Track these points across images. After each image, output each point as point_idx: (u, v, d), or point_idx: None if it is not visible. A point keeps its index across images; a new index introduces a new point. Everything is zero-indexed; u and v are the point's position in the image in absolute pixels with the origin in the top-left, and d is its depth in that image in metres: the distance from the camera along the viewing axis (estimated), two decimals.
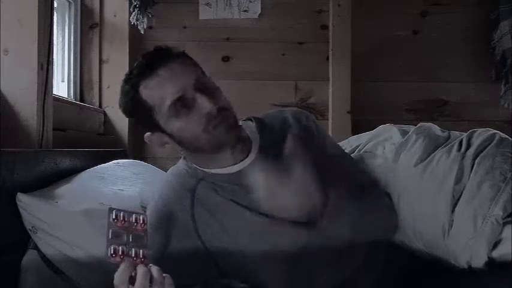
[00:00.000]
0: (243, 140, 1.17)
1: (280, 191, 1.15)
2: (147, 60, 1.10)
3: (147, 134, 1.15)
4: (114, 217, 0.79)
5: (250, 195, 1.14)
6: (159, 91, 1.07)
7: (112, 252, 0.77)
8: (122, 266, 0.78)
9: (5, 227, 1.18)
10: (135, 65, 1.12)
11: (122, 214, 0.80)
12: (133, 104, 1.11)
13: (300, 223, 1.13)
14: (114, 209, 0.80)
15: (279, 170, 1.16)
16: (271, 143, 1.19)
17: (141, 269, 0.78)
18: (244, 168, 1.15)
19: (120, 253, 0.77)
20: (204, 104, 1.06)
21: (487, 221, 1.13)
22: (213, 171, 1.16)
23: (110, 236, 0.78)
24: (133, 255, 0.78)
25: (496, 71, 2.32)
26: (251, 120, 1.25)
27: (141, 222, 0.81)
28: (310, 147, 1.21)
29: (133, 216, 0.81)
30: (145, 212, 1.32)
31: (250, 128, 1.22)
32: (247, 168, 1.15)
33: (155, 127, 1.12)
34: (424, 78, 2.42)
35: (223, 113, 1.08)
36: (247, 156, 1.16)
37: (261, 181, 1.14)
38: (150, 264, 0.80)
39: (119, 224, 0.79)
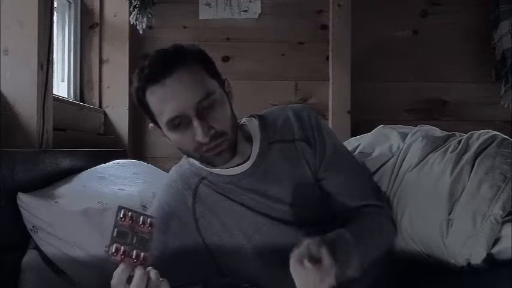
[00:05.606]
0: (245, 140, 1.16)
1: (278, 194, 1.14)
2: (160, 62, 1.04)
3: (151, 124, 1.14)
4: (121, 216, 0.79)
5: (250, 195, 1.14)
6: (161, 104, 1.05)
7: (114, 250, 0.78)
8: (121, 266, 0.79)
9: (5, 227, 1.18)
10: (147, 62, 1.05)
11: (130, 214, 0.80)
12: (139, 103, 1.10)
13: (298, 224, 1.13)
14: (124, 208, 0.80)
15: (277, 172, 1.15)
16: (272, 144, 1.18)
17: (138, 271, 0.78)
18: (243, 172, 1.15)
19: (121, 253, 0.78)
20: (197, 131, 1.02)
21: (486, 220, 1.14)
22: (214, 171, 1.17)
23: (115, 234, 0.79)
24: (134, 257, 0.79)
25: (496, 71, 2.32)
26: (255, 117, 1.23)
27: (148, 224, 0.81)
28: (310, 146, 1.19)
29: (141, 217, 0.81)
30: (146, 210, 1.32)
31: (253, 126, 1.20)
32: (247, 171, 1.15)
33: (157, 124, 1.13)
34: (424, 78, 2.42)
35: (217, 140, 1.05)
36: (248, 157, 1.16)
37: (259, 184, 1.14)
38: (150, 267, 0.80)
39: (125, 223, 0.79)
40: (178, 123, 1.04)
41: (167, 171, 1.63)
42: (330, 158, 1.19)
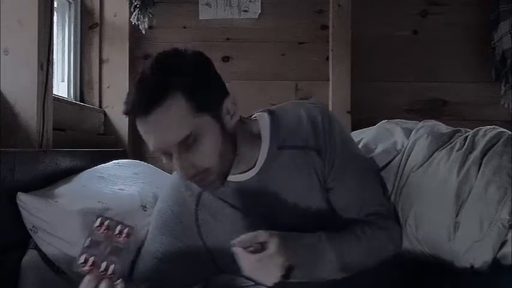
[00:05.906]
0: (252, 143, 1.12)
1: (282, 202, 1.12)
2: (144, 94, 0.96)
3: None
4: (97, 225, 0.78)
5: (253, 202, 1.12)
6: (145, 136, 1.00)
7: (82, 261, 0.77)
8: (87, 277, 0.78)
9: (5, 227, 1.18)
10: (133, 89, 0.99)
11: (106, 223, 0.79)
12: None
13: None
14: (101, 216, 0.79)
15: (282, 180, 1.12)
16: (281, 149, 1.13)
17: (103, 284, 0.77)
18: (248, 179, 1.12)
19: (90, 263, 0.77)
20: (176, 167, 0.99)
21: (493, 225, 1.12)
22: None
23: (86, 244, 0.78)
24: (102, 269, 0.77)
25: (496, 71, 2.32)
26: (266, 113, 1.17)
27: (125, 235, 0.80)
28: (320, 155, 1.13)
29: (119, 227, 0.80)
30: (146, 211, 1.32)
31: (263, 126, 1.15)
32: (252, 179, 1.12)
33: None
34: (424, 78, 2.42)
35: (199, 176, 1.01)
36: (255, 164, 1.12)
37: (264, 192, 1.12)
38: (119, 280, 0.79)
39: (101, 231, 0.78)
40: (162, 154, 1.02)
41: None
42: (339, 167, 1.14)
